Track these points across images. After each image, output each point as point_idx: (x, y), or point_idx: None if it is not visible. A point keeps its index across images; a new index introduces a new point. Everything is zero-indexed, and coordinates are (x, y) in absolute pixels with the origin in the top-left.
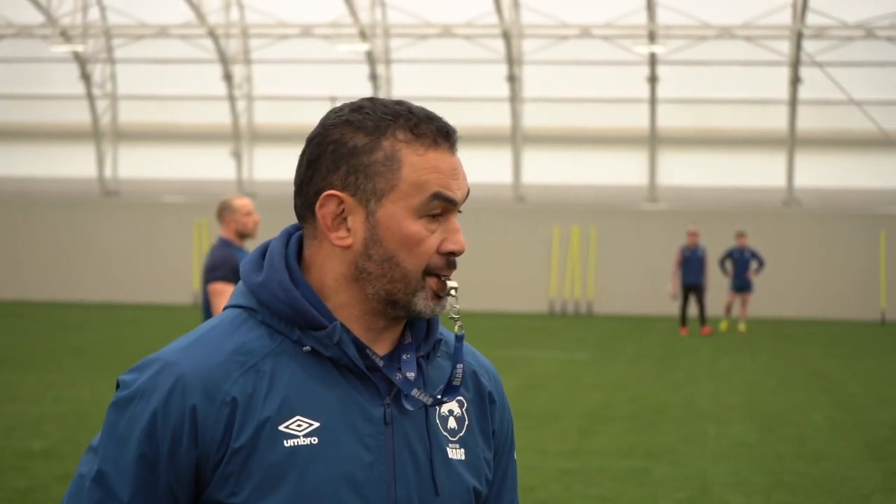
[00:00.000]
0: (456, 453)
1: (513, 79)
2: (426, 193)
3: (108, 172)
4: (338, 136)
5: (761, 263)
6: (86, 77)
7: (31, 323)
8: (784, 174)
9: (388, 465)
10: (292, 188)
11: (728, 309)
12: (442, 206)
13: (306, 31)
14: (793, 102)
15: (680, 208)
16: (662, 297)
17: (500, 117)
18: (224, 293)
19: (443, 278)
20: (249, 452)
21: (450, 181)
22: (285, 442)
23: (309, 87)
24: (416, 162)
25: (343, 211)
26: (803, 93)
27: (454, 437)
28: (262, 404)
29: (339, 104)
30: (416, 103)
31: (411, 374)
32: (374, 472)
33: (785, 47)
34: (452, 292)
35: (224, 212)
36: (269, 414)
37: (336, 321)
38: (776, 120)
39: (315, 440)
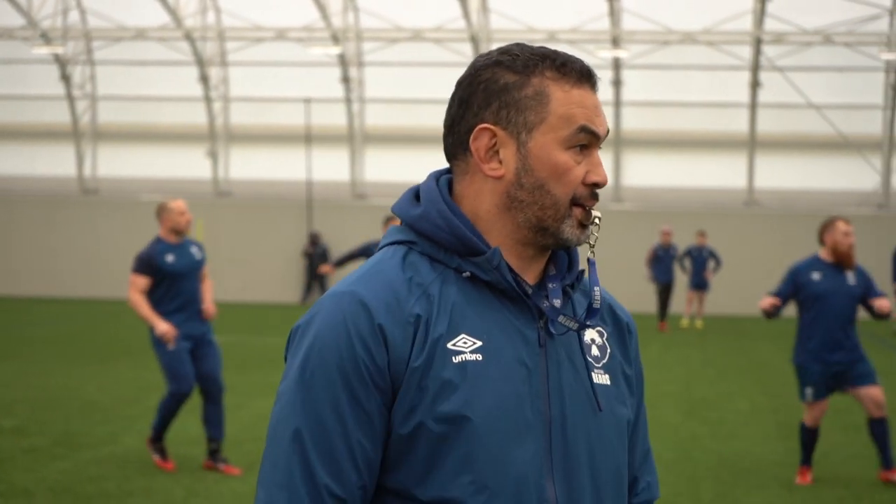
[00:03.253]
0: (601, 378)
1: None
2: (573, 126)
3: (87, 171)
4: (489, 74)
5: (718, 263)
6: (66, 78)
7: (11, 316)
8: (745, 176)
9: (543, 384)
10: (266, 188)
11: (689, 305)
12: (587, 139)
13: (280, 35)
14: (753, 106)
15: (644, 209)
16: (626, 295)
17: None
18: (134, 283)
19: (587, 208)
20: (424, 370)
21: (593, 116)
22: (454, 358)
23: (283, 88)
24: (562, 97)
25: (495, 144)
26: (763, 96)
27: (598, 363)
28: (434, 325)
29: (311, 103)
30: (387, 105)
31: (557, 301)
32: (531, 389)
33: (746, 52)
34: (597, 220)
35: (161, 212)
36: (440, 332)
37: (495, 247)
38: (737, 123)
39: (480, 357)
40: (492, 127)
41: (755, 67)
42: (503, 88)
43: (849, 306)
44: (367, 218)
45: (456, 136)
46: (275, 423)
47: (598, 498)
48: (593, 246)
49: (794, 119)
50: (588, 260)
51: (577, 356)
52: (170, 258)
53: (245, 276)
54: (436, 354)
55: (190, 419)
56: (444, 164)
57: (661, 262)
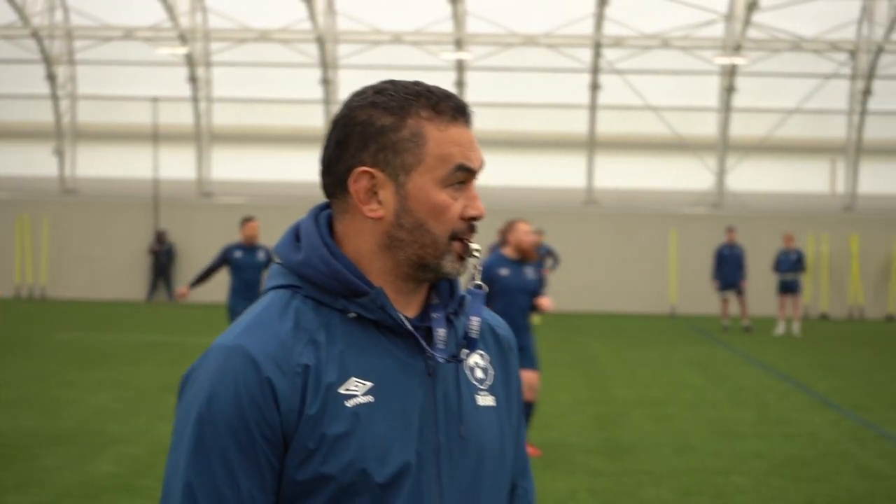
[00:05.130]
0: (485, 400)
1: (327, 82)
2: (450, 165)
3: None
4: (365, 116)
5: (556, 261)
6: None
7: None
8: (584, 175)
9: (432, 414)
10: (113, 186)
11: None
12: (464, 176)
13: (128, 34)
14: (593, 107)
15: (486, 207)
16: None
17: (314, 119)
18: None
19: (466, 241)
20: (319, 418)
21: (469, 153)
22: (346, 403)
23: (131, 87)
24: (439, 137)
25: (374, 185)
26: (603, 98)
27: (483, 385)
28: (325, 372)
29: (158, 102)
30: (234, 105)
31: (442, 331)
32: (422, 419)
33: (586, 55)
34: (476, 253)
35: None
36: (331, 380)
37: (378, 287)
38: (577, 124)
39: (371, 398)
40: (370, 169)
41: (595, 70)
42: (380, 131)
43: (527, 297)
44: (214, 216)
45: (334, 177)
46: (168, 478)
47: None
48: (475, 277)
49: (632, 120)
50: (470, 290)
51: (462, 382)
52: None
53: (91, 273)
54: (329, 401)
55: (23, 411)
56: (289, 165)
57: None
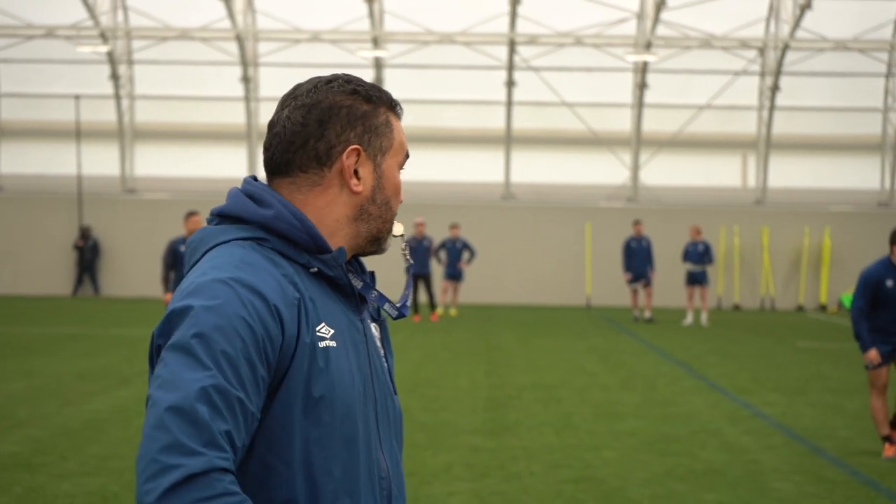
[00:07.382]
0: (386, 364)
1: (248, 79)
2: (404, 152)
3: None
4: (350, 101)
5: (472, 254)
6: None
7: None
8: (501, 170)
9: (367, 368)
10: (37, 182)
11: (444, 295)
12: (405, 164)
13: (50, 32)
14: (509, 104)
15: (405, 202)
16: (386, 287)
17: (235, 115)
18: None
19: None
20: (307, 347)
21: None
22: (320, 343)
23: (53, 85)
24: (398, 127)
25: (356, 162)
26: (518, 95)
27: (384, 351)
28: (306, 310)
29: (81, 99)
30: (158, 103)
31: (374, 295)
32: (362, 373)
33: (501, 52)
34: (404, 234)
35: None
36: (312, 316)
37: (341, 247)
38: (494, 120)
39: (335, 343)
40: (358, 147)
41: (510, 67)
42: (364, 115)
43: None
44: (138, 212)
45: (311, 152)
46: (175, 380)
47: (400, 468)
48: (405, 251)
49: (548, 116)
50: (406, 268)
51: (385, 343)
52: None
53: (15, 269)
54: (313, 336)
55: None
56: (211, 161)
57: (415, 254)
